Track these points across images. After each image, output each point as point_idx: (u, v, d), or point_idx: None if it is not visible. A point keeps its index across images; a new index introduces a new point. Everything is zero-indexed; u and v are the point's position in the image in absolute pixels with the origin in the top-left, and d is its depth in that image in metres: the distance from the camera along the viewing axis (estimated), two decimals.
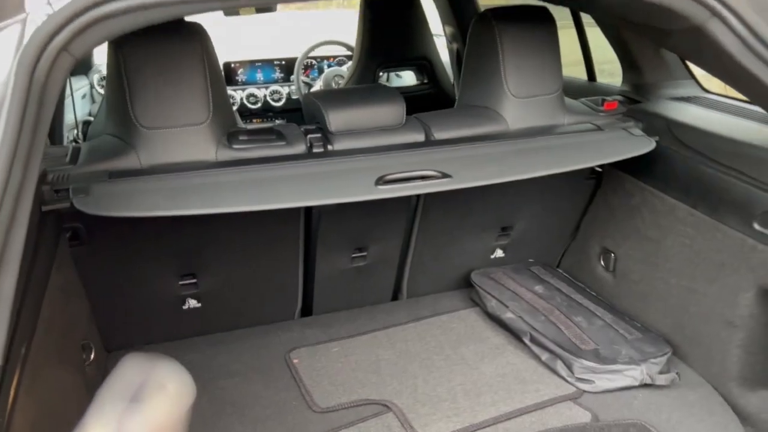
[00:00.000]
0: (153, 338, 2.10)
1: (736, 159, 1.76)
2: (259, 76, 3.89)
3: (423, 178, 1.68)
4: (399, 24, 3.18)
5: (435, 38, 3.28)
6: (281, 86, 3.84)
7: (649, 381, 1.86)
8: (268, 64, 3.89)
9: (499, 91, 2.02)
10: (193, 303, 2.07)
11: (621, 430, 1.73)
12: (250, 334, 2.17)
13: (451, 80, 3.41)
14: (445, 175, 1.67)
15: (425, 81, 3.29)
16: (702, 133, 1.89)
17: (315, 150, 1.86)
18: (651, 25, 1.76)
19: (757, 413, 1.76)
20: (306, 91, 3.68)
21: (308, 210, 1.99)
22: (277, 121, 3.78)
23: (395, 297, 2.39)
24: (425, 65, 3.29)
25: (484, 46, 2.05)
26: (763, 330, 1.75)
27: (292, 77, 3.80)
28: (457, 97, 2.24)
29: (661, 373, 1.87)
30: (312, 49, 3.73)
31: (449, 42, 3.47)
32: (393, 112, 1.93)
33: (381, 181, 1.64)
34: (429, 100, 3.18)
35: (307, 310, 2.28)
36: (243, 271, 2.06)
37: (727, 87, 1.85)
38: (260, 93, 3.80)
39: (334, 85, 3.63)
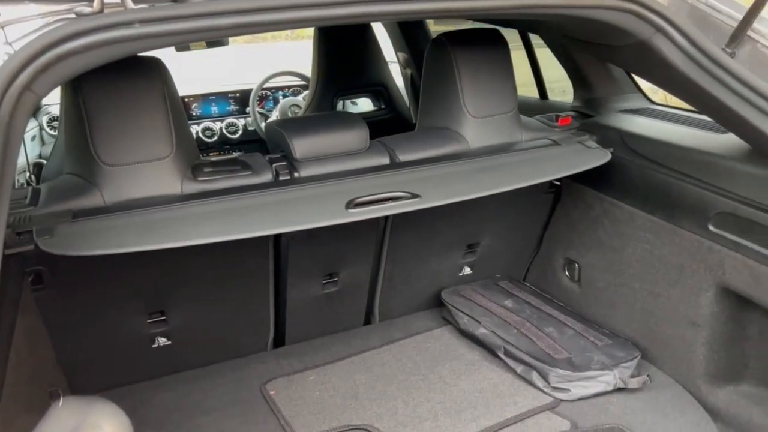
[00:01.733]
0: (122, 380, 2.04)
1: (687, 165, 1.85)
2: (214, 109, 3.86)
3: (392, 199, 1.70)
4: (353, 52, 3.23)
5: (389, 65, 3.34)
6: (237, 118, 3.82)
7: (622, 385, 1.91)
8: (222, 96, 3.88)
9: (458, 112, 2.07)
10: (162, 341, 2.02)
11: None
12: (223, 369, 2.13)
13: (407, 104, 3.47)
14: (414, 195, 1.70)
15: (382, 106, 3.34)
16: (654, 143, 1.98)
17: (281, 178, 1.86)
18: (598, 42, 1.85)
19: (726, 408, 1.82)
20: (262, 122, 3.68)
21: (277, 239, 1.98)
22: (236, 153, 3.76)
23: (368, 321, 2.39)
24: (381, 91, 3.34)
25: (441, 70, 2.10)
26: (724, 327, 1.83)
27: (248, 109, 3.79)
28: (416, 120, 2.28)
29: (632, 376, 1.92)
30: (267, 80, 3.74)
31: (403, 67, 3.54)
32: (357, 136, 1.95)
33: (351, 204, 1.66)
34: (387, 125, 3.22)
35: (279, 340, 2.26)
36: (213, 304, 2.02)
37: (671, 98, 1.96)
38: (216, 126, 3.77)
39: (290, 114, 3.64)
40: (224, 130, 3.76)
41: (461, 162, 1.95)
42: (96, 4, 1.23)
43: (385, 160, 1.96)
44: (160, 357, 2.04)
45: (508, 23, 2.37)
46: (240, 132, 3.79)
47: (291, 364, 2.16)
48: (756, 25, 1.56)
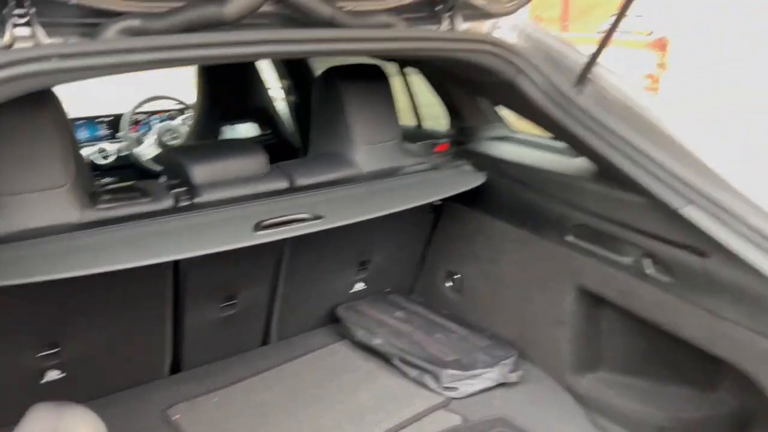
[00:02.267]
0: (9, 420, 1.93)
1: (548, 185, 2.15)
2: (83, 134, 3.70)
3: (297, 221, 1.82)
4: (235, 79, 3.29)
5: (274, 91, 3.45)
6: (109, 143, 3.70)
7: (503, 380, 2.15)
8: (90, 121, 3.73)
9: (348, 140, 2.23)
10: (55, 374, 1.95)
11: (488, 426, 1.98)
12: (122, 398, 2.09)
13: (291, 129, 3.59)
14: (317, 217, 1.83)
15: (267, 132, 3.43)
16: (519, 166, 2.27)
17: (181, 204, 1.90)
18: (469, 79, 2.11)
19: (588, 393, 2.12)
20: (137, 147, 3.60)
21: (176, 264, 2.01)
22: (105, 180, 3.63)
23: (266, 341, 2.45)
24: (265, 117, 3.43)
25: (330, 102, 2.26)
26: (583, 324, 2.13)
27: (119, 134, 3.69)
28: (302, 145, 2.41)
29: (511, 372, 2.17)
30: (141, 104, 3.67)
31: (286, 94, 3.66)
32: (256, 162, 2.04)
33: (259, 227, 1.75)
34: (272, 150, 3.30)
35: (179, 365, 2.25)
36: (111, 332, 1.99)
37: (528, 127, 2.26)
38: (85, 152, 3.62)
39: (167, 139, 3.60)
40: (94, 156, 3.62)
41: (355, 186, 2.11)
42: (6, 38, 1.24)
43: (285, 185, 2.06)
44: (53, 391, 1.96)
45: (388, 58, 2.59)
46: (112, 157, 3.66)
47: (192, 388, 2.17)
48: (595, 68, 1.88)
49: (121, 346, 2.06)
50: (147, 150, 3.54)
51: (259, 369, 2.29)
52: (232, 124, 3.42)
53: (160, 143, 3.55)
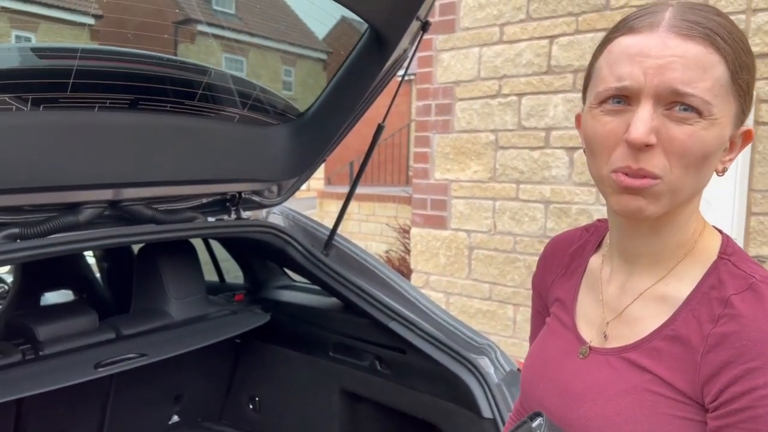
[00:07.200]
0: None
1: (314, 317, 3.03)
2: None
3: (127, 359, 2.43)
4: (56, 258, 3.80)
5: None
6: None
7: None
8: None
9: (164, 296, 2.93)
10: None
11: None
12: None
13: (102, 290, 4.11)
14: (142, 355, 2.46)
15: (84, 296, 3.92)
16: (296, 306, 3.14)
17: (28, 357, 2.42)
18: (255, 247, 2.99)
19: None
20: None
21: (18, 407, 2.45)
22: None
23: None
24: (83, 282, 3.93)
25: (149, 267, 2.96)
26: (346, 415, 2.92)
27: None
28: (132, 304, 3.04)
29: None
30: None
31: (99, 261, 4.21)
32: (87, 319, 2.64)
33: (98, 366, 2.34)
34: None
35: None
36: None
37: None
38: None
39: None
40: None
41: (169, 331, 2.79)
42: None
43: (112, 335, 2.67)
44: None
45: None
46: None
47: None
48: (337, 238, 2.87)
49: None
50: None
51: None
52: (51, 291, 3.86)
53: None
